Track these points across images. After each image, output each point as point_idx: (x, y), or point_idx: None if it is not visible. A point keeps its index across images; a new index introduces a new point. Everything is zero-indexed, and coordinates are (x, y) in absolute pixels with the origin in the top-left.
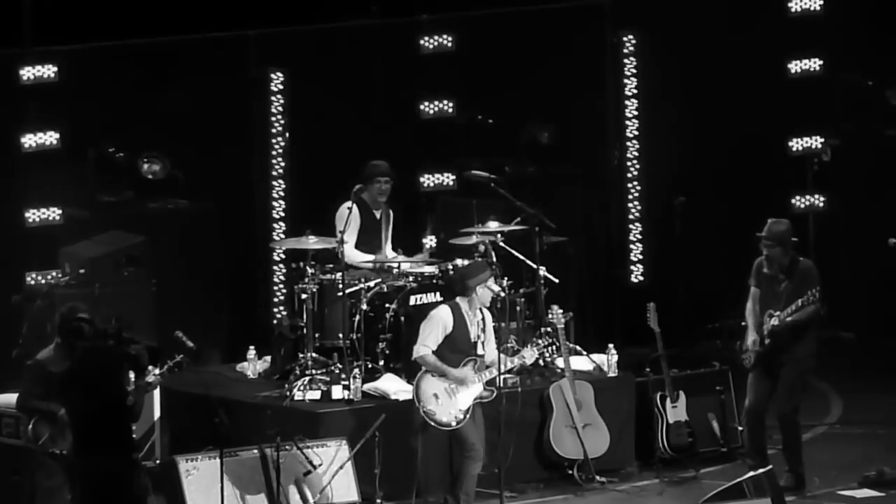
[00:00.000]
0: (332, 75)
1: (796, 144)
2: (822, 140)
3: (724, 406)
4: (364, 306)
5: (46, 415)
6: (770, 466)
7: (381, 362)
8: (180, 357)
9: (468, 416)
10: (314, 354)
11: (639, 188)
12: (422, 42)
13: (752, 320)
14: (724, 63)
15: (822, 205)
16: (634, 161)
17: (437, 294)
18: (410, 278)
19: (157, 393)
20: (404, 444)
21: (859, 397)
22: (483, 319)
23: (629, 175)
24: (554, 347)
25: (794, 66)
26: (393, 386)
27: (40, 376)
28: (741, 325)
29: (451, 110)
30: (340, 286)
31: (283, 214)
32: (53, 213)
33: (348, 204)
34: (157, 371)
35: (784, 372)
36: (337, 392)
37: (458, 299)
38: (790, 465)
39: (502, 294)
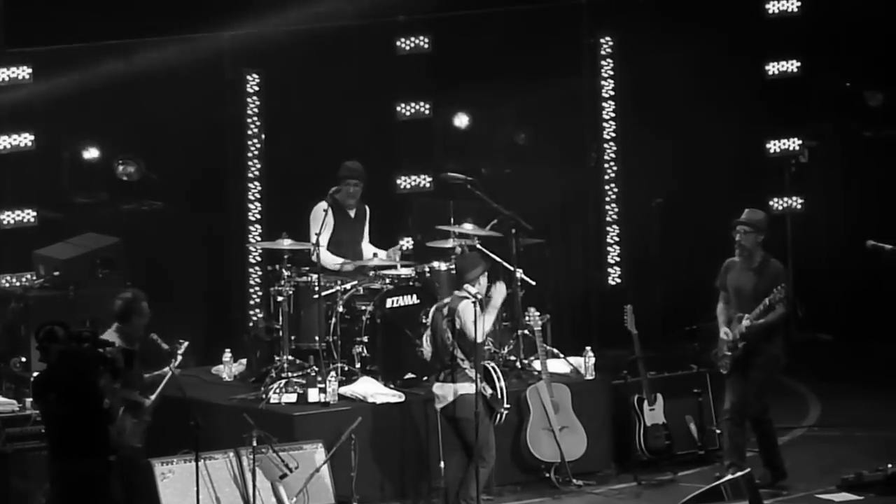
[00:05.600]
0: (307, 76)
1: (774, 146)
2: (800, 142)
3: (702, 408)
4: (340, 308)
5: (132, 405)
6: (748, 469)
7: (358, 365)
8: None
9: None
10: (290, 357)
11: (616, 190)
12: (398, 43)
13: (722, 318)
14: (701, 64)
15: (799, 206)
16: (611, 163)
17: (414, 296)
18: (387, 280)
19: None
20: (380, 447)
21: (837, 400)
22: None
23: (606, 177)
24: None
25: (772, 68)
26: (369, 389)
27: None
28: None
29: (427, 111)
30: (316, 288)
31: (258, 217)
32: (27, 215)
33: (323, 205)
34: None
35: (753, 373)
36: (313, 395)
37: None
38: (769, 462)
39: (479, 296)
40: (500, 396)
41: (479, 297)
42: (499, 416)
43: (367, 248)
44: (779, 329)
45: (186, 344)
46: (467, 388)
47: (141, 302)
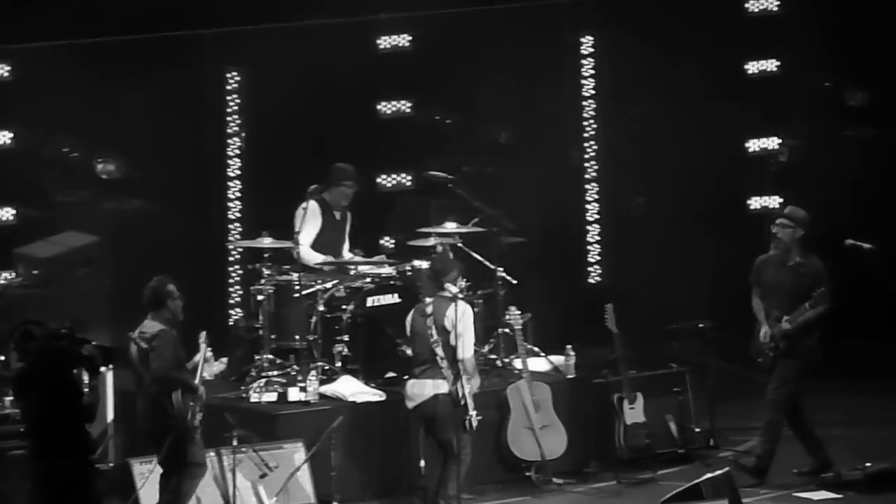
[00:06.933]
0: (288, 74)
1: (753, 145)
2: (780, 141)
3: (682, 407)
4: (321, 308)
5: (189, 388)
6: (727, 468)
7: (339, 364)
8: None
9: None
10: (271, 356)
11: (597, 189)
12: (379, 41)
13: (761, 315)
14: (681, 64)
15: (779, 206)
16: (593, 162)
17: (395, 295)
18: (368, 279)
19: (110, 394)
20: (361, 447)
21: (817, 398)
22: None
23: (587, 176)
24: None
25: (752, 67)
26: (350, 388)
27: (169, 342)
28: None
29: (408, 110)
30: (297, 287)
31: (239, 215)
32: (7, 214)
33: (304, 204)
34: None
35: (781, 361)
36: (293, 394)
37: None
38: (758, 450)
39: (461, 295)
40: (463, 403)
41: (461, 296)
42: (468, 422)
43: (347, 254)
44: (817, 325)
45: (205, 333)
46: (443, 388)
47: (167, 285)
